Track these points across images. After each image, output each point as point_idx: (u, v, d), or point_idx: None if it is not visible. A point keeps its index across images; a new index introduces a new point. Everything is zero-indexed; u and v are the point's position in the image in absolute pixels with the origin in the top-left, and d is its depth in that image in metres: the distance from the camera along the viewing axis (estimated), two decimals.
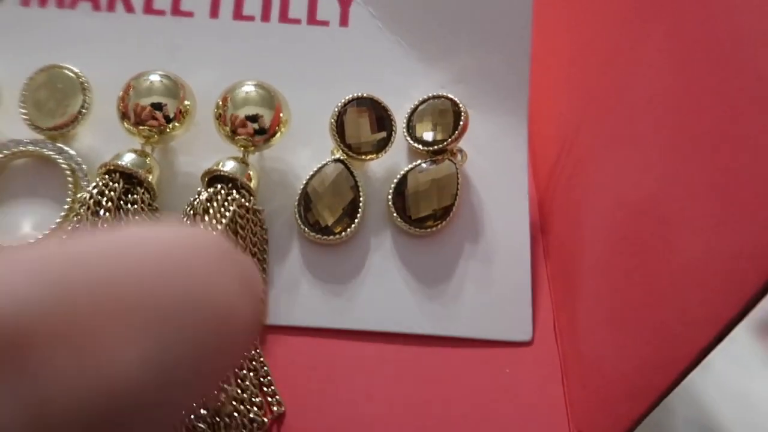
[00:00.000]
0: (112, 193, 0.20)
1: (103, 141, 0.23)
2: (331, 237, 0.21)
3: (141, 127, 0.21)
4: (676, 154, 0.18)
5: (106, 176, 0.21)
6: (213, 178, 0.21)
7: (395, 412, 0.20)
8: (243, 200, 0.21)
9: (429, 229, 0.21)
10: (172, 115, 0.21)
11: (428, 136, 0.22)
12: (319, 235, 0.21)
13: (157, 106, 0.21)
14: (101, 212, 0.20)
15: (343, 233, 0.21)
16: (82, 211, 0.20)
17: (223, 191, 0.21)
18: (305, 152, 0.23)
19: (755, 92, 0.15)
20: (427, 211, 0.21)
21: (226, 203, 0.20)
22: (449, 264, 0.21)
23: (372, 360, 0.20)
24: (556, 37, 0.26)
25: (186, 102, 0.22)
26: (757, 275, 0.15)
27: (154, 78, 0.21)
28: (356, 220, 0.21)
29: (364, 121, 0.22)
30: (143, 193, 0.21)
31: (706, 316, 0.16)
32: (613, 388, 0.19)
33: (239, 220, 0.20)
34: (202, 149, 0.23)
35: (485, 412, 0.20)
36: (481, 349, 0.21)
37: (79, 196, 0.21)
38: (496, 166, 0.23)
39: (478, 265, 0.21)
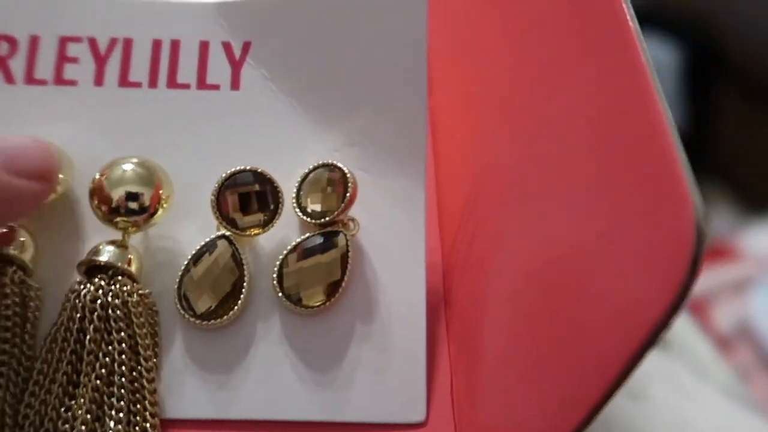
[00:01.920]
0: None
1: None
2: (212, 322, 0.20)
3: None
4: (572, 210, 0.18)
5: None
6: (91, 268, 0.20)
7: None
8: (126, 288, 0.20)
9: (314, 308, 0.20)
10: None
11: (316, 207, 0.21)
12: (199, 321, 0.20)
13: None
14: None
15: (225, 317, 0.20)
16: None
17: (103, 282, 0.20)
18: (192, 227, 0.22)
19: (634, 145, 0.15)
20: (313, 289, 0.20)
21: (110, 295, 0.19)
22: (340, 344, 0.21)
23: None
24: (458, 95, 0.26)
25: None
26: (637, 331, 0.14)
27: None
28: (239, 303, 0.20)
29: (247, 197, 0.21)
30: (13, 272, 0.20)
31: (588, 380, 0.16)
32: None
33: (124, 310, 0.19)
34: (84, 228, 0.22)
35: None
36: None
37: None
38: (392, 234, 0.22)
39: (370, 344, 0.21)
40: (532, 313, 0.18)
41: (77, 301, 0.19)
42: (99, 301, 0.19)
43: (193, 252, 0.21)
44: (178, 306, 0.20)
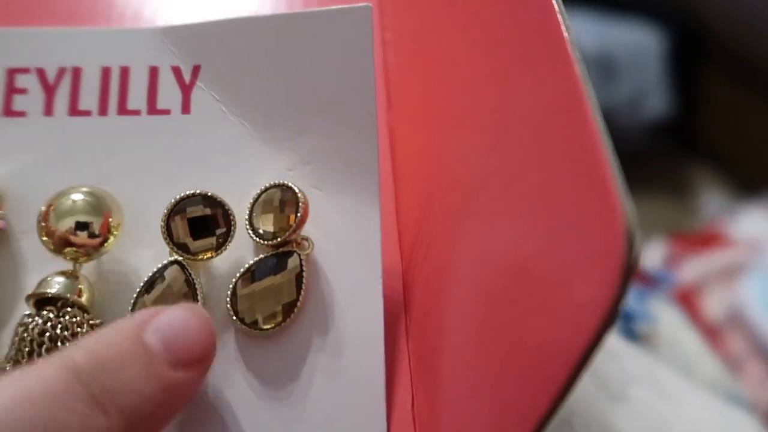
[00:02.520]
0: None
1: None
2: None
3: None
4: (516, 223, 0.18)
5: None
6: (40, 300, 0.20)
7: None
8: (75, 319, 0.20)
9: (269, 330, 0.20)
10: None
11: (268, 228, 0.21)
12: None
13: None
14: None
15: None
16: None
17: (52, 314, 0.20)
18: (146, 253, 0.22)
19: (567, 156, 0.15)
20: (268, 311, 0.20)
21: (59, 327, 0.19)
22: (297, 367, 0.21)
23: None
24: (415, 108, 0.26)
25: None
26: (576, 343, 0.14)
27: None
28: None
29: (197, 221, 0.21)
30: None
31: (539, 387, 0.16)
32: None
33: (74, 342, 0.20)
34: (36, 260, 0.22)
35: None
36: None
37: None
38: (347, 252, 0.22)
39: (327, 365, 0.21)
40: (482, 328, 0.18)
41: (25, 334, 0.19)
42: (48, 334, 0.19)
43: (145, 279, 0.21)
44: None
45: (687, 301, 0.61)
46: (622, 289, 0.13)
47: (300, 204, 0.21)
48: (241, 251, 0.22)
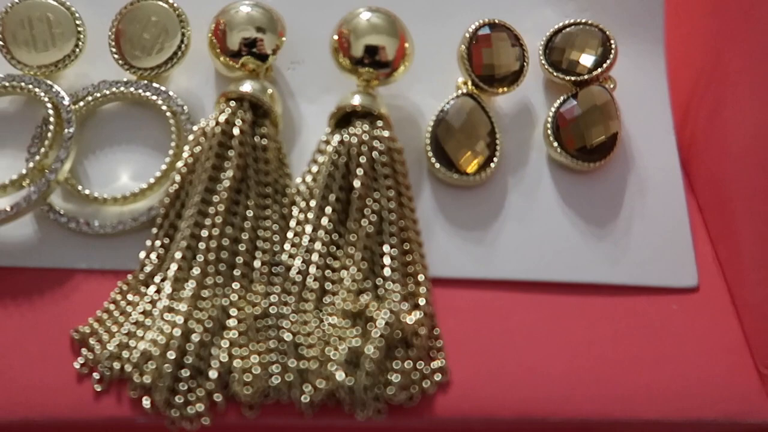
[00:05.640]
0: (242, 122, 0.18)
1: (201, 83, 0.21)
2: (469, 178, 0.19)
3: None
4: None
5: (233, 103, 0.18)
6: (348, 114, 0.19)
7: (556, 359, 0.17)
8: (387, 134, 0.18)
9: (597, 163, 0.19)
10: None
11: (572, 65, 0.20)
12: (456, 176, 0.19)
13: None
14: (232, 142, 0.18)
15: (482, 173, 0.19)
16: (203, 141, 0.18)
17: (366, 128, 0.18)
18: (425, 88, 0.20)
19: None
20: (599, 138, 0.19)
21: (376, 141, 0.18)
22: (600, 204, 0.19)
23: (526, 309, 0.18)
24: None
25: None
26: None
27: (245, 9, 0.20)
28: (495, 159, 0.19)
29: (504, 48, 0.19)
30: (269, 126, 0.19)
31: None
32: None
33: (389, 155, 0.18)
34: (310, 90, 0.20)
35: (658, 356, 0.17)
36: (641, 296, 0.18)
37: (201, 125, 0.19)
38: (636, 98, 0.21)
39: (632, 204, 0.19)
40: None
41: (340, 144, 0.18)
42: (364, 147, 0.18)
43: (440, 108, 0.19)
44: (432, 159, 0.19)
45: None
46: None
47: (612, 41, 0.20)
48: (525, 91, 0.20)
